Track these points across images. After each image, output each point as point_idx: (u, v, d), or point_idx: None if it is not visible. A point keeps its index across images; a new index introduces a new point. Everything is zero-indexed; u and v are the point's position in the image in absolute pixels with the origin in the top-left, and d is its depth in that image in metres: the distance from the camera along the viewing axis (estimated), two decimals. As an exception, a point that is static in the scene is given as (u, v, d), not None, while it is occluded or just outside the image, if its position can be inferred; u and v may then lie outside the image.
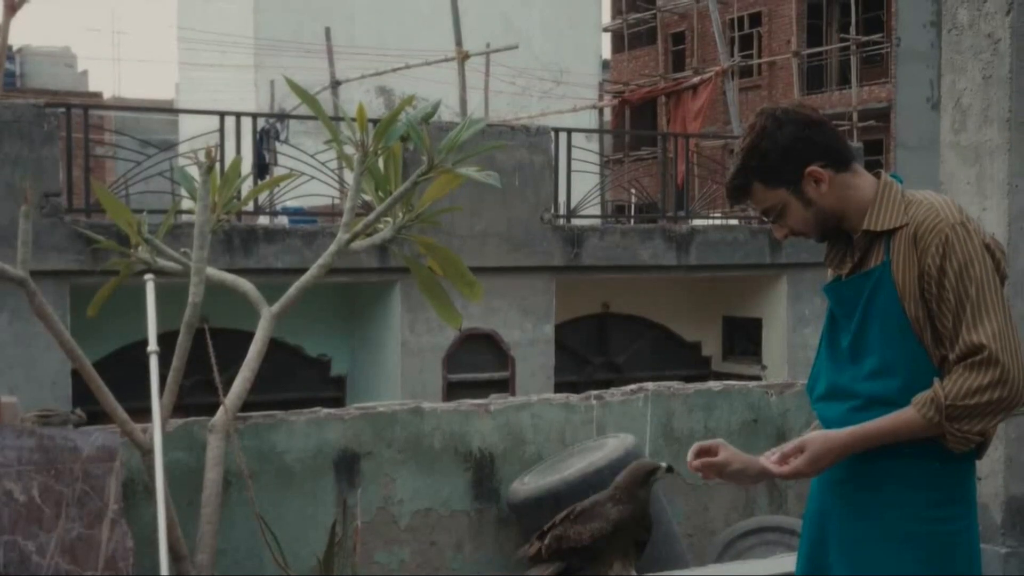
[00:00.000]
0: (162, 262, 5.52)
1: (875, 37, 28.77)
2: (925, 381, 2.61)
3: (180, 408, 7.28)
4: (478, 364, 12.30)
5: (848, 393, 2.73)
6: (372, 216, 5.50)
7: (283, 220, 13.11)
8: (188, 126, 21.36)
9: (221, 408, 5.23)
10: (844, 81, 30.08)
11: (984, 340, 2.54)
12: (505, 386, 12.08)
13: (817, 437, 2.67)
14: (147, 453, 4.99)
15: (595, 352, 14.27)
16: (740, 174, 2.74)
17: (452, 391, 11.54)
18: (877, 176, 2.78)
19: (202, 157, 5.11)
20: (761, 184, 2.72)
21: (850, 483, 2.72)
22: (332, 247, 5.48)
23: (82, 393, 6.54)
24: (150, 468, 4.95)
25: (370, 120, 5.44)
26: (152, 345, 5.15)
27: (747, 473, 2.78)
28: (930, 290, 2.61)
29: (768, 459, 2.73)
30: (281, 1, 24.56)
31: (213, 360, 5.44)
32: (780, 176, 2.70)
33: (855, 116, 27.43)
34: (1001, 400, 2.54)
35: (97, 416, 5.61)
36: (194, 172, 5.27)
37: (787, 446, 2.74)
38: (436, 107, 5.35)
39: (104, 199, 5.76)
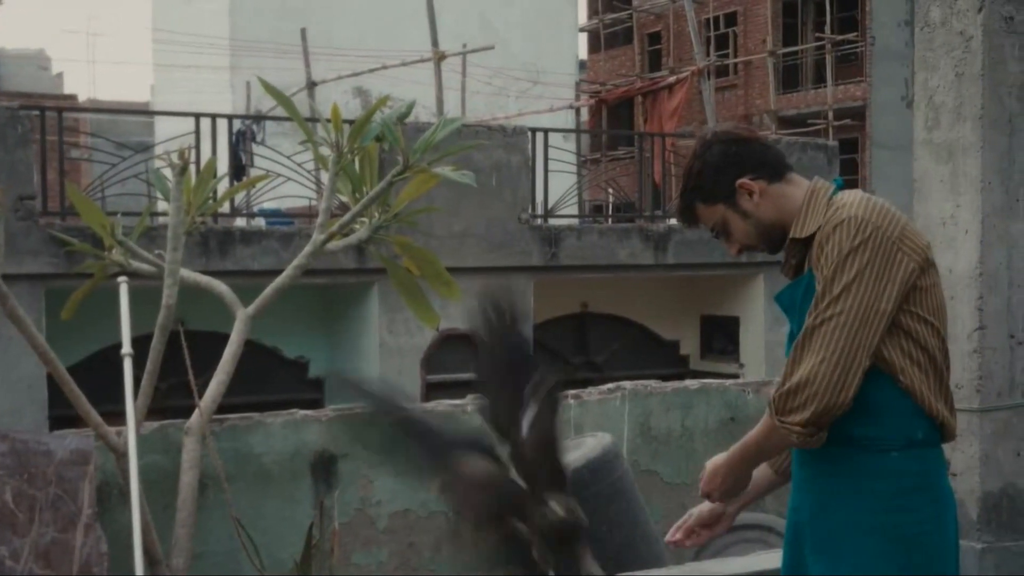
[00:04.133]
0: (136, 264, 5.49)
1: (850, 36, 28.88)
2: None
3: (158, 411, 7.24)
4: (457, 365, 12.27)
5: None
6: (347, 216, 5.48)
7: (260, 222, 13.06)
8: (164, 128, 21.25)
9: (196, 411, 5.21)
10: (820, 80, 30.19)
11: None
12: (484, 387, 12.04)
13: (713, 459, 2.93)
14: (121, 456, 4.96)
15: (574, 352, 14.27)
16: (683, 197, 2.90)
17: (431, 392, 11.51)
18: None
19: (176, 159, 5.08)
20: (701, 203, 2.86)
21: (817, 479, 2.75)
22: (307, 248, 5.46)
23: (58, 397, 6.52)
24: (124, 471, 4.92)
25: (346, 121, 5.42)
26: (126, 347, 5.12)
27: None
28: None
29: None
30: (257, 2, 24.47)
31: (188, 363, 5.41)
32: (715, 193, 2.83)
33: (831, 115, 27.54)
34: (810, 396, 2.60)
35: (72, 420, 5.57)
36: (169, 174, 5.25)
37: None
38: (411, 107, 5.34)
39: (77, 201, 5.73)
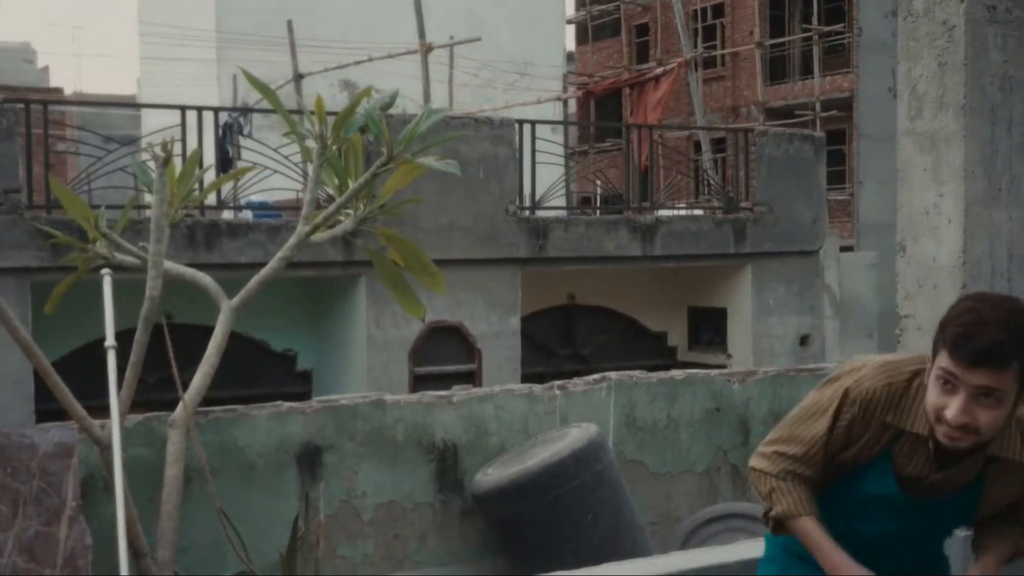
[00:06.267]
0: (120, 257, 5.48)
1: (837, 27, 28.92)
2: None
3: (145, 404, 7.22)
4: (445, 357, 12.27)
5: None
6: (332, 208, 5.48)
7: (248, 215, 13.02)
8: (151, 121, 21.19)
9: (181, 403, 5.20)
10: (807, 71, 30.22)
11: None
12: (472, 379, 12.05)
13: None
14: (105, 449, 4.95)
15: (561, 344, 14.27)
16: (1015, 345, 2.51)
17: (419, 384, 11.51)
18: None
19: (159, 151, 5.06)
20: (1017, 373, 2.51)
21: None
22: (292, 240, 5.45)
23: (46, 392, 6.50)
24: (109, 464, 4.91)
25: (332, 113, 5.41)
26: (110, 340, 5.11)
27: None
28: None
29: None
30: (243, -6, 24.40)
31: (171, 355, 5.40)
32: None
33: (818, 106, 27.59)
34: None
35: (60, 414, 5.56)
36: (153, 166, 5.23)
37: None
38: (394, 97, 5.33)
39: (61, 194, 5.71)
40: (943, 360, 2.53)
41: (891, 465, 2.69)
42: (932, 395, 2.56)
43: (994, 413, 2.51)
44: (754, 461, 2.80)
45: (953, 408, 2.50)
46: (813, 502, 2.75)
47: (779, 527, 2.82)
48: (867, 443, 2.70)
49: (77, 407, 4.95)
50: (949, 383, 2.51)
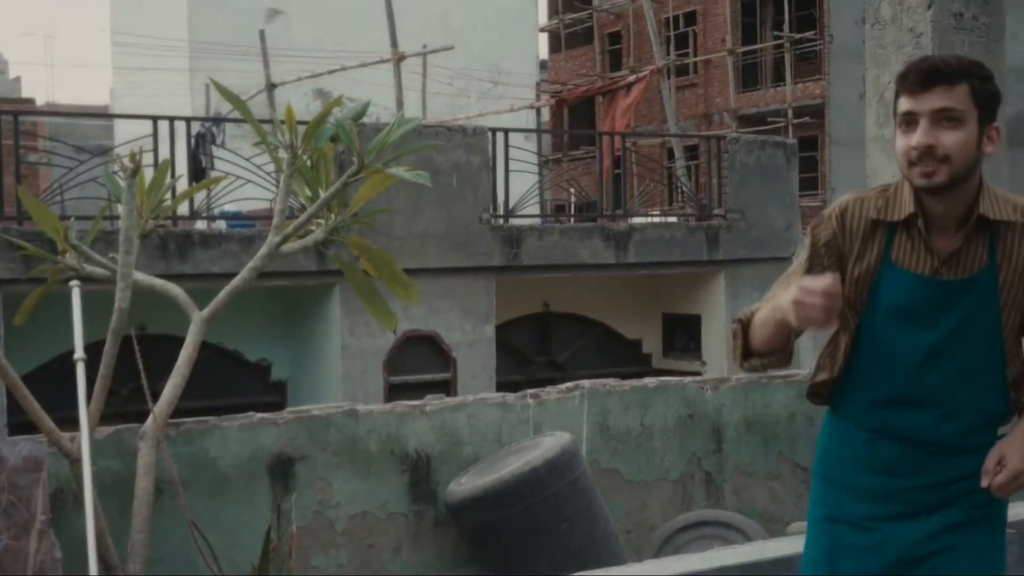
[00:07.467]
0: (90, 268, 5.45)
1: (808, 34, 29.06)
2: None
3: (118, 416, 7.17)
4: (420, 366, 12.25)
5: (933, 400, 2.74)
6: (302, 218, 5.46)
7: (221, 224, 12.97)
8: (123, 131, 21.09)
9: (151, 415, 5.17)
10: (779, 78, 30.35)
11: None
12: (447, 387, 12.04)
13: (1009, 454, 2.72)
14: (75, 462, 4.92)
15: (537, 352, 14.27)
16: (960, 65, 2.66)
17: (394, 393, 11.48)
18: None
19: (127, 162, 5.04)
20: (969, 91, 2.63)
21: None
22: (263, 250, 5.44)
23: (15, 404, 6.46)
24: (78, 477, 4.88)
25: (304, 122, 5.40)
26: (79, 352, 5.08)
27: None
28: None
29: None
30: (216, 3, 24.31)
31: (141, 367, 5.37)
32: (985, 102, 2.65)
33: (790, 113, 27.69)
34: None
35: (32, 427, 5.51)
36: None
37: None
38: (365, 107, 5.33)
39: (29, 205, 5.68)
40: (900, 105, 2.67)
41: (896, 266, 2.71)
42: (898, 143, 2.67)
43: (956, 134, 2.60)
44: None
45: (916, 135, 2.61)
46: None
47: (747, 355, 2.82)
48: (861, 251, 2.74)
49: (46, 420, 4.91)
50: (910, 123, 2.64)
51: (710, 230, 13.73)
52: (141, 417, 5.91)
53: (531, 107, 24.14)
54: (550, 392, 6.53)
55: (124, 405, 9.72)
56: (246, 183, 11.26)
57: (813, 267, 2.76)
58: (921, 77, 2.62)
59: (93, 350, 5.13)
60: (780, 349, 2.79)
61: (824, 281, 2.51)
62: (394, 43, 19.04)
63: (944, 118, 2.60)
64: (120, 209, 5.15)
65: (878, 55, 4.72)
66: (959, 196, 2.66)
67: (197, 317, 5.36)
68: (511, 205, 13.17)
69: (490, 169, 12.58)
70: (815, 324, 2.55)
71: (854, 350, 2.79)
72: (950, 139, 2.60)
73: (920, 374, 2.72)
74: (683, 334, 14.71)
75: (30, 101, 33.72)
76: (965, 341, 2.70)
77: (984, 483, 2.69)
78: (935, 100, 2.60)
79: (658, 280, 14.33)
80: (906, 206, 2.69)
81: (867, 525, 2.77)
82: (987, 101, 2.66)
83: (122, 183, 5.11)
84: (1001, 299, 2.70)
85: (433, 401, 6.32)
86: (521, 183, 13.61)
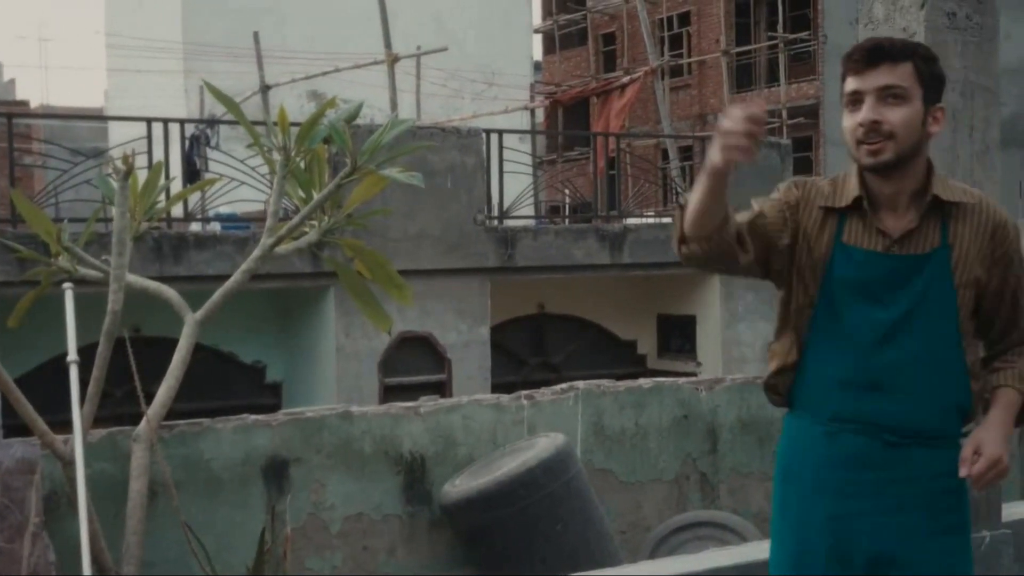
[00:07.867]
0: (83, 270, 5.44)
1: (802, 35, 29.12)
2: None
3: (112, 419, 7.16)
4: (415, 367, 12.24)
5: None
6: (296, 220, 5.45)
7: (216, 226, 12.96)
8: (118, 133, 21.08)
9: (145, 418, 5.16)
10: (773, 79, 30.40)
11: None
12: (442, 389, 12.04)
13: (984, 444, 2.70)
14: (68, 464, 4.91)
15: (532, 353, 14.27)
16: (904, 45, 2.73)
17: (389, 395, 11.47)
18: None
19: (120, 164, 5.03)
20: (914, 69, 2.68)
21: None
22: (256, 252, 5.43)
23: (9, 407, 6.45)
24: (72, 480, 4.87)
25: (297, 124, 5.39)
26: (72, 355, 5.07)
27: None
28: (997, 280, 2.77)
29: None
30: (210, 5, 24.30)
31: (134, 369, 5.36)
32: (930, 82, 2.70)
33: (784, 113, 27.74)
34: None
35: (26, 429, 5.51)
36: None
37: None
38: (359, 108, 5.31)
39: (23, 207, 5.67)
40: (847, 84, 2.71)
41: (848, 245, 2.74)
42: (845, 122, 2.72)
43: (901, 111, 2.64)
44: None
45: (862, 112, 2.65)
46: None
47: (683, 240, 2.76)
48: (814, 231, 2.77)
49: (39, 423, 4.90)
50: (856, 102, 2.68)
51: (705, 231, 13.71)
52: (135, 419, 5.90)
53: (525, 108, 24.14)
54: (544, 393, 6.53)
55: (118, 407, 9.70)
56: (240, 185, 11.25)
57: (777, 213, 2.80)
58: (865, 56, 2.67)
59: (87, 352, 5.12)
60: (716, 229, 2.71)
61: (747, 106, 2.59)
62: (388, 44, 19.03)
63: (889, 95, 2.65)
64: (114, 211, 5.15)
65: (871, 55, 4.71)
66: (906, 175, 2.70)
67: (191, 319, 5.36)
68: (506, 206, 13.17)
69: (484, 170, 12.58)
70: (740, 154, 2.59)
71: (810, 327, 2.78)
72: (895, 115, 2.64)
73: (878, 352, 2.70)
74: (678, 335, 14.72)
75: (24, 103, 33.74)
76: (922, 319, 2.70)
77: (963, 473, 2.66)
78: (880, 78, 2.64)
79: (653, 281, 14.32)
80: (851, 191, 2.74)
81: (833, 527, 2.73)
82: (931, 80, 2.71)
83: (115, 185, 5.10)
84: (955, 278, 2.72)
85: (427, 402, 6.31)
86: (516, 184, 13.61)
